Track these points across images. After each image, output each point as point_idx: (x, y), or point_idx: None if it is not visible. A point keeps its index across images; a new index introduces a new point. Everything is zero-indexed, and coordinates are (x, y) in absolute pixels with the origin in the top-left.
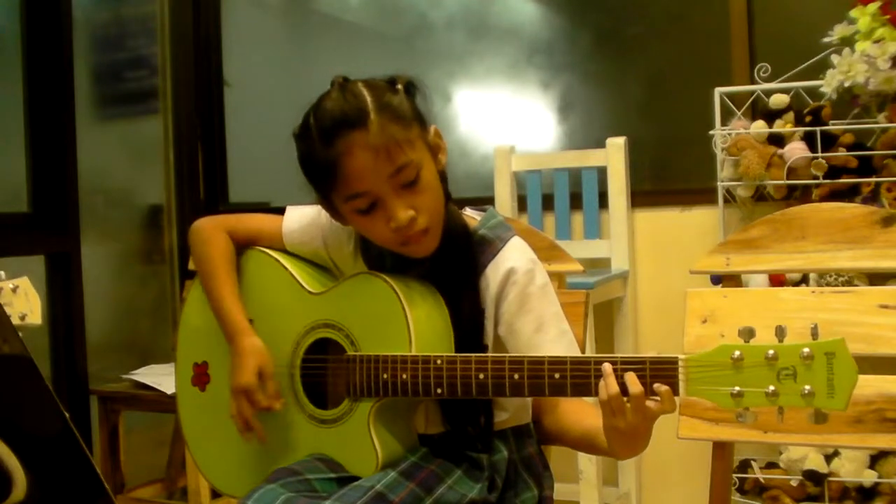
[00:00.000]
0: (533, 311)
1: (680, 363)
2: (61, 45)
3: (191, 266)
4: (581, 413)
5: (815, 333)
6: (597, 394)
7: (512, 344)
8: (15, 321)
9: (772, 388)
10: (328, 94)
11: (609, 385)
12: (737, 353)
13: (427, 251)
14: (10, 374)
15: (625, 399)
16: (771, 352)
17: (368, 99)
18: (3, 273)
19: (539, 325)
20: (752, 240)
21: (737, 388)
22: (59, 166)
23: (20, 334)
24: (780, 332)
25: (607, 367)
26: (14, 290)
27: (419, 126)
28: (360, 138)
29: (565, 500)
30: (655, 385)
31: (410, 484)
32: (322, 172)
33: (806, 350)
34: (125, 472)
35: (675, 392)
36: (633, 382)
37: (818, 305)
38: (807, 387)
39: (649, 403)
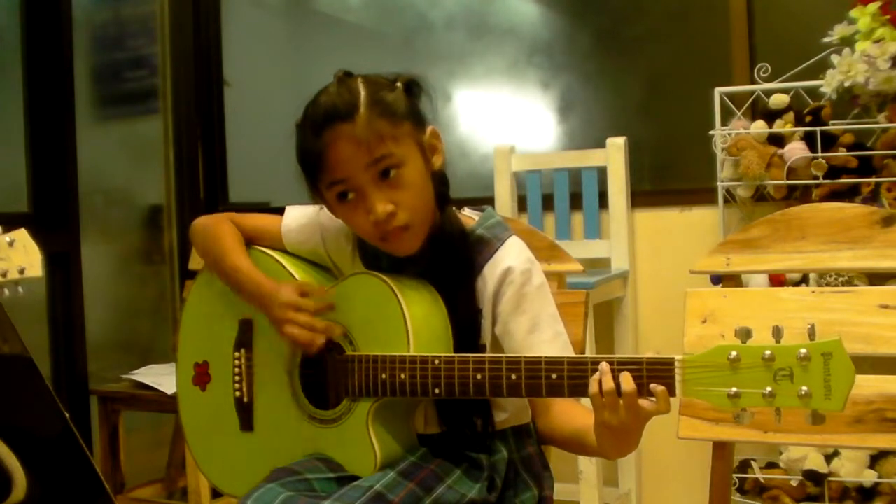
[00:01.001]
0: (528, 312)
1: (676, 364)
2: (61, 45)
3: (191, 266)
4: (573, 413)
5: (811, 334)
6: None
7: (507, 344)
8: (13, 276)
9: (769, 389)
10: (327, 87)
11: (605, 382)
12: (733, 353)
13: (408, 250)
14: (10, 374)
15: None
16: (768, 353)
17: (362, 94)
18: None
19: (533, 326)
20: (752, 240)
21: (734, 389)
22: (59, 166)
23: (20, 290)
24: (777, 333)
25: (605, 365)
26: (11, 243)
27: (412, 124)
28: (345, 130)
29: (565, 500)
30: (652, 385)
31: (410, 484)
32: (310, 162)
33: (803, 351)
34: (125, 472)
35: (672, 393)
36: (626, 381)
37: (818, 305)
38: (803, 388)
39: (644, 403)
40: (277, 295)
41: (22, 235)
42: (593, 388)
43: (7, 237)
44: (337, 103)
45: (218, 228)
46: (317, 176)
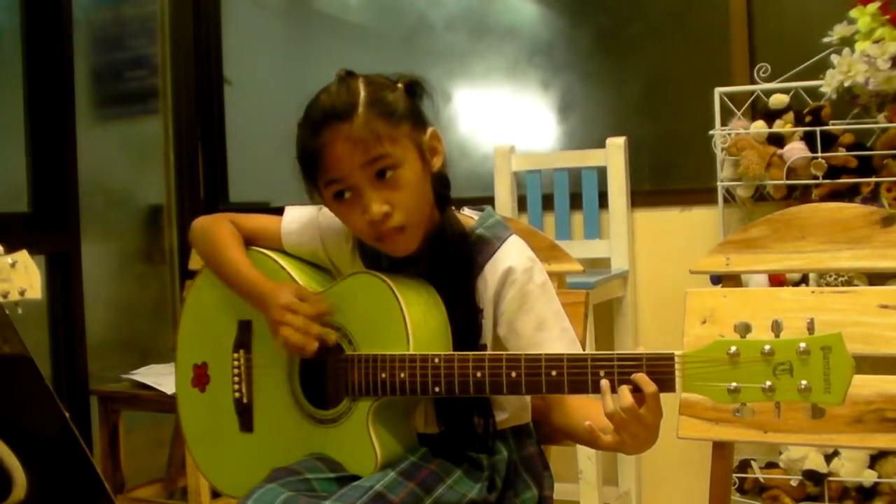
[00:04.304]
0: (533, 310)
1: (676, 359)
2: (61, 45)
3: (191, 266)
4: (589, 410)
5: (811, 328)
6: (594, 391)
7: (513, 343)
8: (14, 297)
9: (768, 383)
10: (328, 86)
11: (605, 405)
12: (733, 348)
13: (404, 251)
14: (10, 374)
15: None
16: (767, 347)
17: (362, 94)
18: (1, 248)
19: (540, 324)
20: (751, 240)
21: (734, 384)
22: (59, 166)
23: (20, 311)
24: (777, 327)
25: (605, 385)
26: (13, 265)
27: (411, 125)
28: (343, 130)
29: (565, 500)
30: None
31: (410, 484)
32: (308, 160)
33: (802, 345)
34: (125, 472)
35: (672, 388)
36: (645, 383)
37: (818, 305)
38: (803, 382)
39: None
40: (275, 296)
41: (23, 257)
42: (609, 407)
43: (9, 258)
44: (335, 103)
45: (217, 228)
46: (315, 174)
